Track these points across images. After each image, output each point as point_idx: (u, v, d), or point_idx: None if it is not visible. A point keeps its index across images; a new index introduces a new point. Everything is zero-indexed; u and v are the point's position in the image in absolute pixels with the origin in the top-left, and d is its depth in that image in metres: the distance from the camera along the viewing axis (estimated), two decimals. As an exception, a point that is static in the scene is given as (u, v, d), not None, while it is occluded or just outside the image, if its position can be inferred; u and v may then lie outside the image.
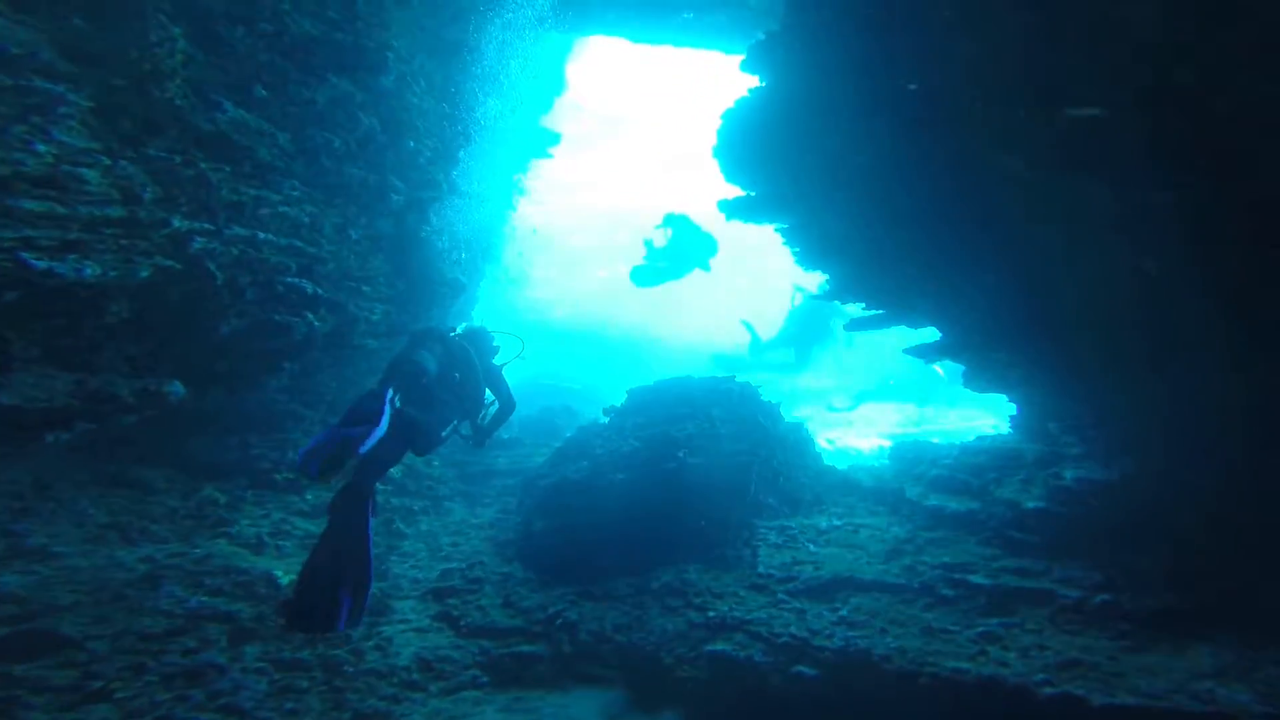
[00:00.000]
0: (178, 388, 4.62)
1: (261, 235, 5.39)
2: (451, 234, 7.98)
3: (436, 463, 8.28)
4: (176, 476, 5.15)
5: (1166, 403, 4.06)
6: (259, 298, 5.42)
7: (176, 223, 4.64)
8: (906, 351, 6.64)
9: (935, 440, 9.83)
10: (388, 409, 3.81)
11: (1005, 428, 7.04)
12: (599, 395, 16.57)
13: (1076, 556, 4.52)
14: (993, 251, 4.67)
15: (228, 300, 5.15)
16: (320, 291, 5.80)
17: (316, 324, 5.66)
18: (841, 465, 9.99)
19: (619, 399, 16.85)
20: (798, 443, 7.83)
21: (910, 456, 8.98)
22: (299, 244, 5.69)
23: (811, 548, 6.00)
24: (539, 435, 10.88)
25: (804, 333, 11.95)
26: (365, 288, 6.59)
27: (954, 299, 5.34)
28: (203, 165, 4.85)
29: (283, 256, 5.61)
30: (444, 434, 4.77)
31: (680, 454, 6.23)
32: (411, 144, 7.01)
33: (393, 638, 5.05)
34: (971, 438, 11.11)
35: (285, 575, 4.83)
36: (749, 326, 12.57)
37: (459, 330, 5.28)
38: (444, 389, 4.69)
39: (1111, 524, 4.39)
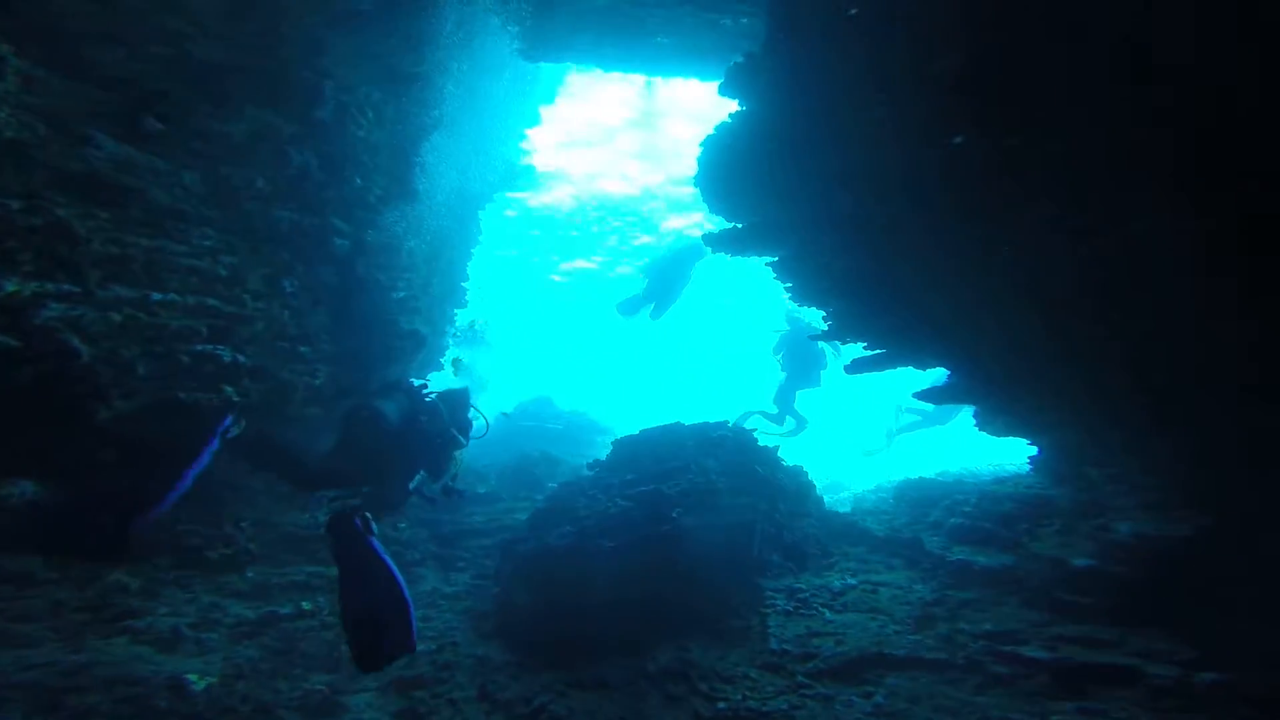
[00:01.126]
0: (26, 488, 3.81)
1: (157, 295, 4.53)
2: (409, 280, 7.26)
3: (404, 525, 7.43)
4: (71, 561, 4.26)
5: (1240, 445, 3.52)
6: (155, 372, 4.51)
7: (11, 286, 3.76)
8: (916, 395, 6.10)
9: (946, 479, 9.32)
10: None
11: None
12: (583, 432, 15.77)
13: (1149, 624, 3.89)
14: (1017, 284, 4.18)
15: (107, 378, 4.25)
16: (242, 358, 4.97)
17: (235, 399, 4.82)
18: (837, 501, 9.39)
19: (605, 430, 15.97)
20: (798, 490, 7.19)
21: (916, 497, 8.39)
22: (213, 302, 4.87)
23: (828, 614, 5.31)
24: (518, 487, 10.07)
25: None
26: (303, 348, 5.71)
27: (973, 336, 4.82)
28: (61, 212, 3.99)
29: (189, 319, 4.74)
30: (410, 486, 4.54)
31: (675, 514, 5.54)
32: (358, 181, 6.36)
33: (343, 750, 4.21)
34: (984, 475, 10.67)
35: (202, 679, 3.97)
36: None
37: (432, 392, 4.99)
38: (408, 437, 4.48)
39: (1189, 586, 3.79)
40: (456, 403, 5.11)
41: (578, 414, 16.72)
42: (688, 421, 7.38)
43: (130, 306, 4.36)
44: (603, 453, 15.58)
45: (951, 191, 3.93)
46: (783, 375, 10.90)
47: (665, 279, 11.47)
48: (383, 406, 4.35)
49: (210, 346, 4.79)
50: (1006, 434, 5.80)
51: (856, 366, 5.84)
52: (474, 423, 5.45)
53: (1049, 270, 3.86)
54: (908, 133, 4.02)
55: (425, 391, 4.92)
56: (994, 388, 4.98)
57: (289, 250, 5.57)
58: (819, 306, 6.01)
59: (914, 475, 13.49)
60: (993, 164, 3.66)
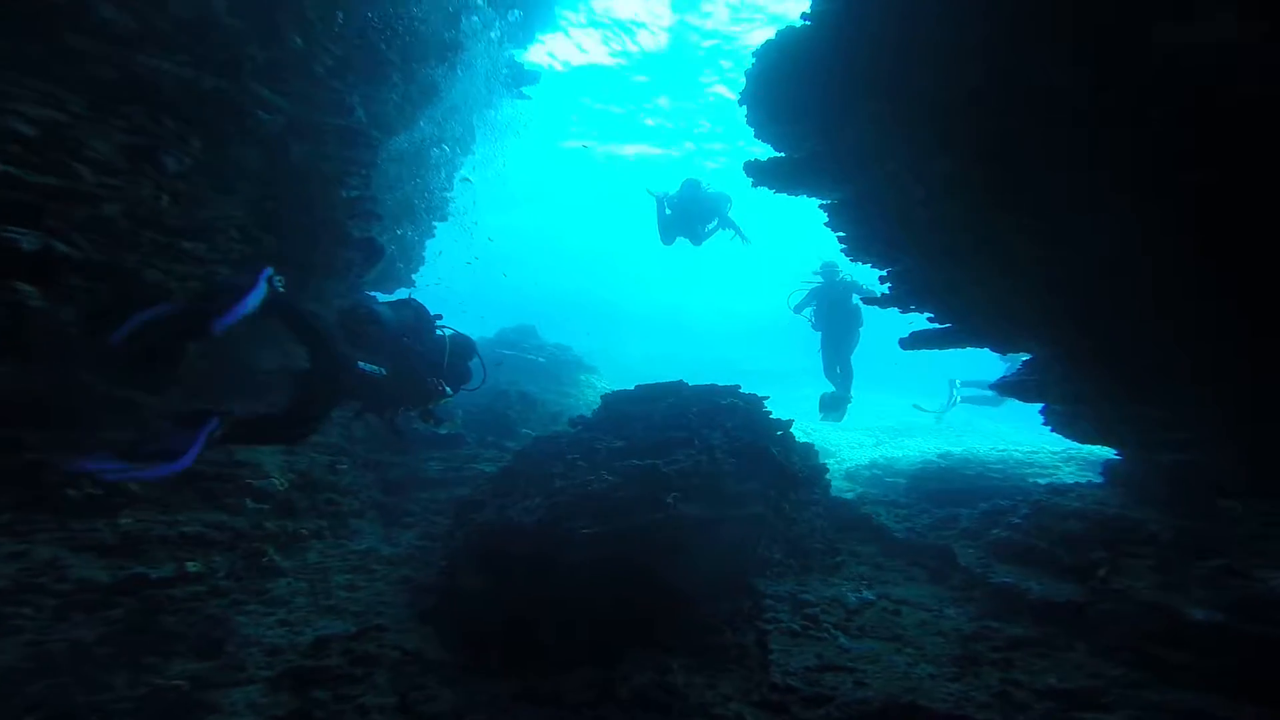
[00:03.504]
0: None
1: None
2: (366, 178, 5.83)
3: (345, 465, 6.30)
4: None
5: None
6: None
7: None
8: (994, 387, 4.99)
9: (970, 471, 8.36)
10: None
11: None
12: (566, 369, 14.58)
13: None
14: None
15: None
16: (63, 247, 3.56)
17: (34, 303, 3.45)
18: (836, 475, 8.34)
19: (591, 369, 14.72)
20: (810, 476, 6.13)
21: (936, 491, 7.43)
22: (13, 171, 3.42)
23: (842, 640, 4.30)
24: (486, 431, 8.96)
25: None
26: (191, 244, 4.34)
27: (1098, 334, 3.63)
28: None
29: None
30: (366, 370, 4.27)
31: (671, 499, 4.44)
32: (299, 42, 4.87)
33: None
34: (992, 460, 9.69)
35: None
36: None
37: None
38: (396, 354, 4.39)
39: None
40: (461, 349, 4.97)
41: (562, 348, 15.56)
42: (692, 381, 6.25)
43: None
44: (587, 395, 14.58)
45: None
46: (819, 336, 9.71)
47: (688, 217, 10.21)
48: (383, 311, 4.21)
49: (-1, 228, 3.34)
50: (1092, 441, 4.73)
51: (915, 341, 4.70)
52: (472, 374, 5.28)
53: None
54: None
55: (440, 324, 4.81)
56: (1104, 400, 3.85)
57: (175, 118, 4.13)
58: (879, 264, 4.78)
59: (914, 455, 12.77)
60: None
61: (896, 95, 3.86)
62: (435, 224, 9.33)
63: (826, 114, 4.55)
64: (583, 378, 15.14)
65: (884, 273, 4.67)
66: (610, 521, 4.35)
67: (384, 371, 4.42)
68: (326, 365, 4.01)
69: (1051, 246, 3.39)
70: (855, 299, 9.37)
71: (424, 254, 8.88)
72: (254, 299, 3.52)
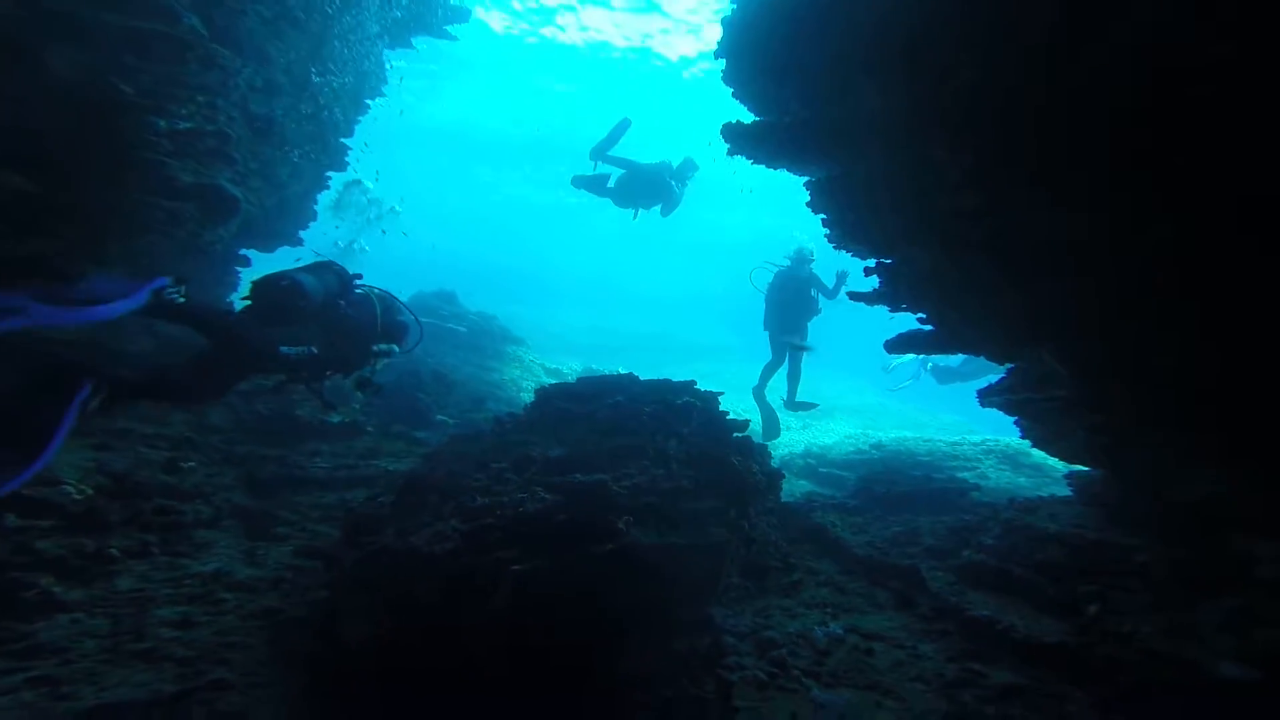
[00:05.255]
0: None
1: None
2: (207, 110, 4.48)
3: (193, 463, 5.05)
4: None
5: None
6: None
7: None
8: (979, 392, 4.48)
9: (916, 471, 8.09)
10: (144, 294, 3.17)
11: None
12: (490, 341, 13.39)
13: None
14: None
15: None
16: None
17: None
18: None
19: (518, 341, 13.64)
20: (767, 482, 5.52)
21: (885, 494, 7.05)
22: None
23: (816, 691, 3.70)
24: (391, 418, 7.77)
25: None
26: None
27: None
28: None
29: None
30: (291, 354, 4.11)
31: (623, 525, 3.63)
32: None
33: None
34: (964, 473, 9.53)
35: None
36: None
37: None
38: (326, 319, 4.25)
39: None
40: (390, 305, 4.80)
41: (486, 317, 14.35)
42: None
43: None
44: (512, 370, 13.48)
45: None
46: (763, 311, 9.13)
47: (636, 182, 9.28)
48: (306, 280, 4.02)
49: None
50: (1072, 458, 4.34)
51: (901, 345, 4.10)
52: (409, 329, 5.01)
53: None
54: None
55: (359, 283, 4.60)
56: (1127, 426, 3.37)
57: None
58: (863, 255, 4.11)
59: (845, 445, 12.69)
60: None
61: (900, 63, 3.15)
62: (328, 174, 7.90)
63: (816, 73, 3.80)
64: (509, 349, 14.04)
65: (870, 264, 4.01)
66: (548, 554, 3.50)
67: (314, 350, 4.24)
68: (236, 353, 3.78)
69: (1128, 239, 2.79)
70: (814, 292, 8.86)
71: (314, 207, 7.48)
72: (119, 308, 3.09)
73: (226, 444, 5.58)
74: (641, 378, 5.21)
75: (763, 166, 4.11)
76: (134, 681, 3.23)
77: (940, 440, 12.35)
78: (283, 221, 6.77)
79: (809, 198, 4.17)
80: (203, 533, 4.68)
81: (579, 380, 5.27)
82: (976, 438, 12.64)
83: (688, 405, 4.74)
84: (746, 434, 5.27)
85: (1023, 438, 4.67)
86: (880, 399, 25.49)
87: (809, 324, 9.11)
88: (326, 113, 7.04)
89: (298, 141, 6.47)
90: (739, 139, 3.92)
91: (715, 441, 4.71)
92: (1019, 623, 4.02)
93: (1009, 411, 4.45)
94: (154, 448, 4.82)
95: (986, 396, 4.50)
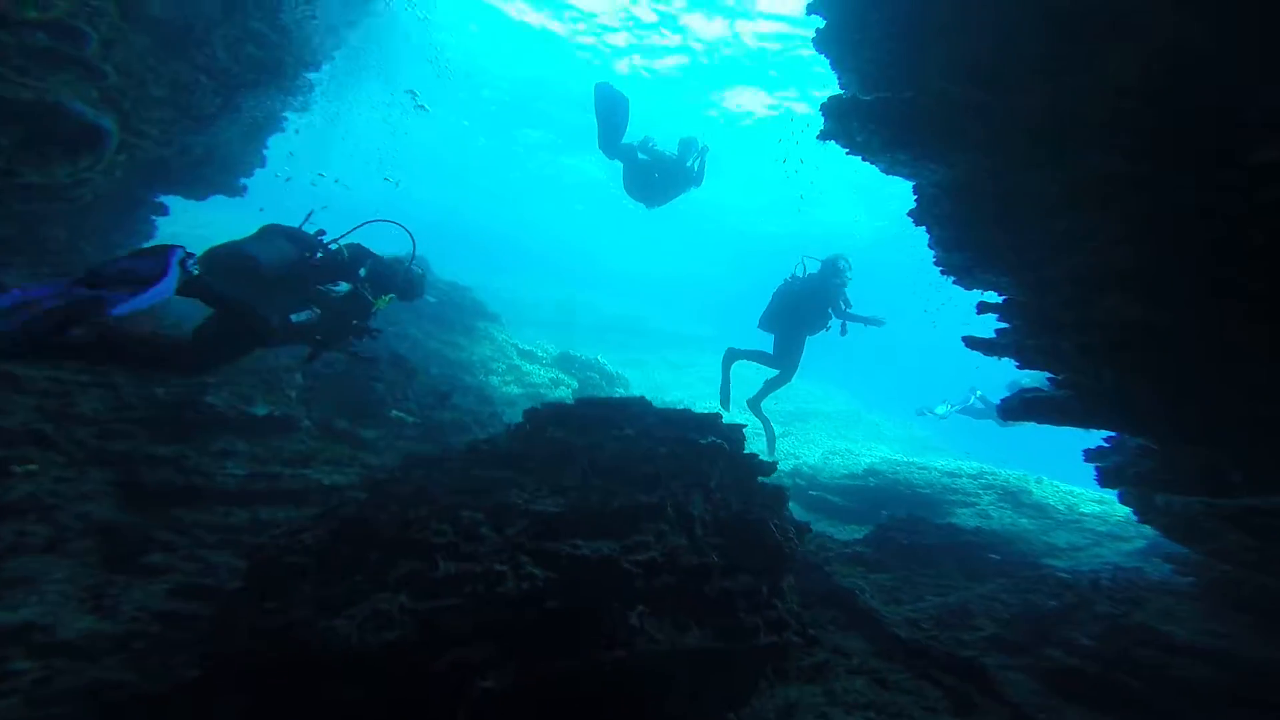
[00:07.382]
0: None
1: None
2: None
3: (35, 465, 3.81)
4: None
5: None
6: None
7: None
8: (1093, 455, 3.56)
9: (938, 521, 7.23)
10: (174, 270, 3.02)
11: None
12: (461, 314, 12.22)
13: None
14: None
15: None
16: None
17: None
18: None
19: (492, 317, 12.49)
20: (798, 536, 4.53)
21: (910, 546, 6.17)
22: None
23: None
24: (336, 413, 6.47)
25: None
26: None
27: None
28: None
29: None
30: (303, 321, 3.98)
31: (636, 619, 2.59)
32: None
33: None
34: (965, 508, 8.80)
35: None
36: None
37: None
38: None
39: None
40: (358, 255, 4.36)
41: (457, 288, 13.17)
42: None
43: None
44: (483, 350, 12.25)
45: None
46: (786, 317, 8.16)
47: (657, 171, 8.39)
48: (250, 247, 3.69)
49: None
50: (1170, 534, 3.47)
51: (1027, 411, 3.15)
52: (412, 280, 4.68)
53: None
54: None
55: (322, 237, 4.16)
56: None
57: None
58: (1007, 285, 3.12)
59: (836, 466, 11.91)
60: None
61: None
62: (287, 114, 6.54)
63: (944, 37, 2.78)
64: (481, 325, 12.84)
65: (1000, 300, 3.03)
66: (531, 659, 2.44)
67: (317, 312, 4.09)
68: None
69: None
70: (833, 317, 7.93)
71: (263, 151, 6.15)
72: (164, 289, 2.96)
73: (99, 438, 4.30)
74: (654, 403, 4.14)
75: (858, 159, 3.07)
76: None
77: (934, 468, 11.69)
78: (211, 167, 5.44)
79: (917, 206, 3.15)
80: (29, 563, 3.43)
81: (578, 402, 4.18)
82: (972, 467, 12.04)
83: (714, 447, 3.70)
84: (780, 485, 4.26)
85: (1140, 519, 3.76)
86: (851, 406, 25.11)
87: (808, 339, 8.21)
88: (283, 34, 5.70)
89: (238, 66, 5.15)
90: (847, 117, 2.87)
91: (747, 497, 3.70)
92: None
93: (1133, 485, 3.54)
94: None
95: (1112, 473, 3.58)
